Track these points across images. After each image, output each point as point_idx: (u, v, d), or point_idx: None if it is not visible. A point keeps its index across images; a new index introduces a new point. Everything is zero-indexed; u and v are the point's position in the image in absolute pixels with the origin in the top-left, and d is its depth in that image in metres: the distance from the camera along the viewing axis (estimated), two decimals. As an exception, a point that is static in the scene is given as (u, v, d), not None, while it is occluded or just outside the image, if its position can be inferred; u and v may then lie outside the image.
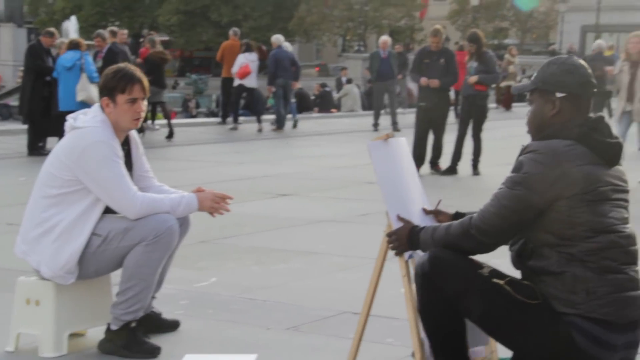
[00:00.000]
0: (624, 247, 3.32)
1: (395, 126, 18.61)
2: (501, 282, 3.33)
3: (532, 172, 3.28)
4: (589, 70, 3.45)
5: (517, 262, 3.44)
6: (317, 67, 52.58)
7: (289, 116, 19.06)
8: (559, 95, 3.40)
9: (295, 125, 18.90)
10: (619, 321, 3.27)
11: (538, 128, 3.46)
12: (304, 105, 26.19)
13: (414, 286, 3.83)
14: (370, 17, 51.29)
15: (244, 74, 17.85)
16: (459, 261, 3.39)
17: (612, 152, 3.37)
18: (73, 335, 4.50)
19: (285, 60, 18.17)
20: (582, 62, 3.47)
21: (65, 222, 4.29)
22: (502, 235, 3.39)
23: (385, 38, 19.88)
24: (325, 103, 26.84)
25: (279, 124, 18.35)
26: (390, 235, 3.64)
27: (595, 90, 3.45)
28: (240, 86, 18.07)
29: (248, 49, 18.12)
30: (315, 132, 18.54)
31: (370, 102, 21.99)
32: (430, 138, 12.05)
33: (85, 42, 13.98)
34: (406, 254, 3.64)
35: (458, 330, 3.43)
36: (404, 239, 3.59)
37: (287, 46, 18.94)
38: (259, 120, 18.32)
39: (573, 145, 3.31)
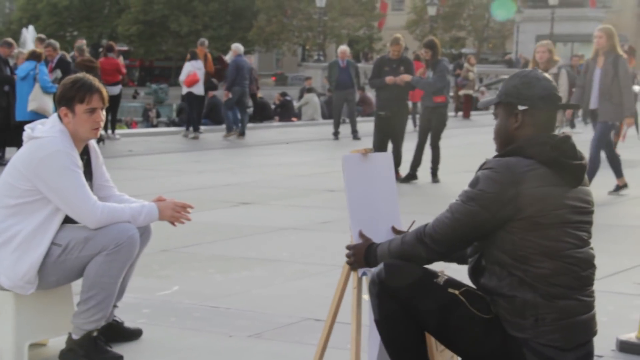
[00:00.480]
0: (576, 273, 3.29)
1: (355, 135, 18.71)
2: (456, 292, 3.32)
3: (487, 190, 3.26)
4: (553, 84, 3.42)
5: (471, 276, 3.44)
6: (274, 76, 52.55)
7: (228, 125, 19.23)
8: (520, 108, 3.37)
9: (238, 136, 18.95)
10: (566, 347, 3.26)
11: (503, 142, 3.43)
12: (265, 114, 26.24)
13: (365, 297, 3.84)
14: (329, 27, 51.61)
15: (192, 82, 18.22)
16: (415, 270, 3.37)
17: (574, 174, 3.32)
18: (34, 345, 4.48)
19: (245, 69, 18.44)
20: (546, 75, 3.43)
21: (24, 232, 4.27)
22: (453, 246, 3.39)
23: (343, 48, 19.99)
24: (286, 112, 26.88)
25: (229, 129, 18.68)
26: (348, 248, 3.65)
27: (558, 103, 3.41)
28: (189, 94, 18.40)
29: (194, 57, 18.49)
30: (276, 141, 18.57)
31: (330, 111, 22.07)
32: (389, 147, 12.12)
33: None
34: (360, 271, 3.65)
35: (416, 338, 3.40)
36: (360, 255, 3.58)
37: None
38: (195, 129, 18.76)
39: (533, 166, 3.27)
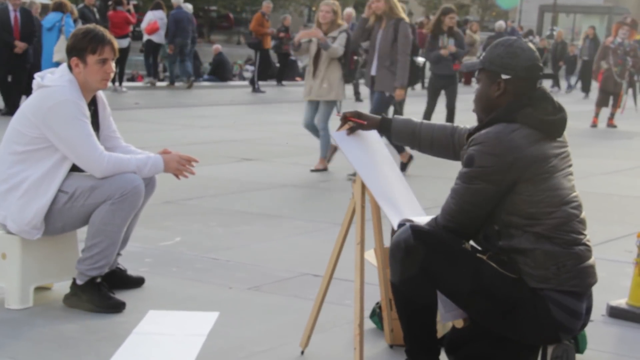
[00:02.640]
0: (578, 217, 3.43)
1: (357, 96, 18.71)
2: (484, 257, 3.40)
3: (485, 164, 3.34)
4: (536, 54, 3.50)
5: (484, 244, 3.49)
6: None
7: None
8: (504, 77, 3.45)
9: (190, 86, 19.69)
10: (583, 291, 3.40)
11: (484, 108, 3.52)
12: (269, 73, 26.20)
13: (366, 254, 3.91)
14: (336, -10, 51.30)
15: (152, 30, 19.03)
16: (443, 236, 3.42)
17: (555, 129, 3.44)
18: (39, 289, 4.58)
19: (184, 20, 19.09)
20: (530, 45, 3.51)
21: (31, 179, 4.35)
22: (471, 228, 3.45)
23: (349, 10, 19.90)
24: (290, 72, 26.82)
25: (171, 81, 19.74)
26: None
27: (541, 73, 3.50)
28: (149, 42, 19.33)
29: (156, 6, 19.28)
30: (279, 100, 18.60)
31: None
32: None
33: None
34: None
35: (431, 305, 3.48)
36: None
37: (188, 7, 19.78)
38: (153, 75, 19.84)
39: (518, 129, 3.37)
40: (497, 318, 3.42)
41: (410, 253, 3.37)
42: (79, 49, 4.43)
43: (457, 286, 3.39)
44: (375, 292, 4.14)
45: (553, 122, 3.43)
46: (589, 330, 3.90)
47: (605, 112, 15.43)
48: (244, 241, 6.09)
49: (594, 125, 15.21)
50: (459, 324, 3.59)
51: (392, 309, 3.91)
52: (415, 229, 3.40)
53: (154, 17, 19.05)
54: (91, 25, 4.62)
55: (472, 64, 3.62)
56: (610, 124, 15.37)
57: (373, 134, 3.99)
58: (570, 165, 3.50)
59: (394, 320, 3.95)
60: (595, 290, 3.55)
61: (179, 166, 4.60)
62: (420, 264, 3.36)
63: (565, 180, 3.43)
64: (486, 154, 3.34)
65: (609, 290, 4.92)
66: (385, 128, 3.86)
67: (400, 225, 3.52)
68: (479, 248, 3.50)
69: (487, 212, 3.40)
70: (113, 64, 4.52)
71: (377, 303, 4.29)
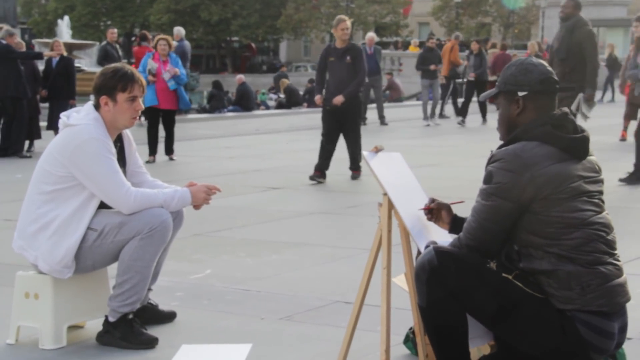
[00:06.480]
0: (603, 238, 3.39)
1: (382, 120, 18.72)
2: (510, 276, 3.38)
3: (503, 181, 3.35)
4: (549, 68, 3.53)
5: (508, 265, 3.47)
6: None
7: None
8: (521, 94, 3.48)
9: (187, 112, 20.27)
10: (612, 310, 3.35)
11: (507, 129, 3.54)
12: (294, 100, 26.34)
13: (397, 279, 3.89)
14: (356, 14, 51.74)
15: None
16: (467, 256, 3.42)
17: (578, 147, 3.43)
18: (72, 328, 4.58)
19: (189, 52, 19.18)
20: (541, 61, 3.56)
21: (61, 218, 4.37)
22: (493, 245, 3.44)
23: (371, 35, 19.95)
24: (314, 98, 26.99)
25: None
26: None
27: (557, 85, 3.52)
28: None
29: (144, 39, 19.19)
30: (304, 127, 18.63)
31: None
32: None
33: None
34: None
35: (462, 326, 3.45)
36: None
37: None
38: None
39: (538, 147, 3.37)
40: (524, 338, 3.39)
41: (434, 274, 3.38)
42: (109, 87, 4.45)
43: (483, 306, 3.38)
44: (408, 318, 4.11)
45: (573, 140, 3.42)
46: (627, 349, 3.83)
47: (634, 125, 15.29)
48: (274, 271, 6.08)
49: (623, 138, 15.09)
50: (485, 349, 3.55)
51: (425, 334, 3.88)
52: (439, 250, 3.41)
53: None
54: (119, 64, 4.63)
55: (489, 92, 3.66)
56: (640, 137, 15.21)
57: (398, 157, 4.01)
58: (599, 192, 3.46)
59: (427, 345, 3.91)
60: (632, 307, 3.50)
61: (207, 196, 4.61)
62: (445, 285, 3.36)
63: (589, 203, 3.39)
64: (504, 170, 3.35)
65: (645, 306, 4.85)
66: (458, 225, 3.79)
67: (427, 247, 3.51)
68: (505, 265, 3.47)
69: (505, 230, 3.40)
70: (141, 101, 4.55)
71: (411, 328, 4.25)
